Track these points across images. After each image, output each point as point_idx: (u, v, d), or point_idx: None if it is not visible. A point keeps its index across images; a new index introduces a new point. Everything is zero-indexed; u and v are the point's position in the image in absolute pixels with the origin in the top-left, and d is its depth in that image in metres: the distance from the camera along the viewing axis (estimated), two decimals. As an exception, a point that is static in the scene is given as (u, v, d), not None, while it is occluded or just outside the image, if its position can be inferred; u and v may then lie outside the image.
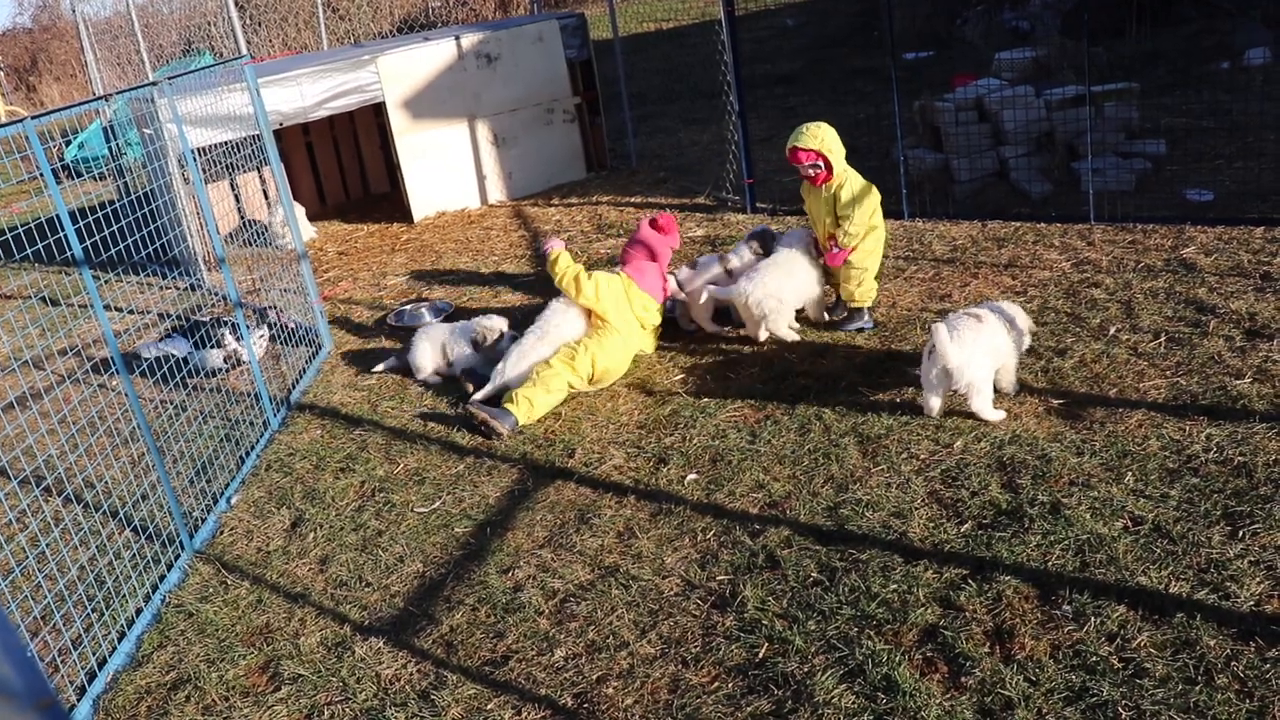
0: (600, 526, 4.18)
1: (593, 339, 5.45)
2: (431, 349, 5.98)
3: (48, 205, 4.00)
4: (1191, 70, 9.58)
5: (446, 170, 9.81)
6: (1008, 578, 3.45)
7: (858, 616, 3.39)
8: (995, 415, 4.44)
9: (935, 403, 4.54)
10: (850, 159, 5.74)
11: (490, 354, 5.80)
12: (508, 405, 5.19)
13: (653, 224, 5.91)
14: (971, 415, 4.48)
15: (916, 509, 3.93)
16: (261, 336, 6.53)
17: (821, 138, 5.48)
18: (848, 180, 5.53)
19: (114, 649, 3.87)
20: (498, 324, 5.94)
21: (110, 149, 10.32)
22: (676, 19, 18.75)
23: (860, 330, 5.68)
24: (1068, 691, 2.94)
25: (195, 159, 5.62)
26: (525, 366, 5.46)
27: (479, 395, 5.48)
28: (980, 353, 4.40)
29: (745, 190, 8.29)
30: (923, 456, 4.28)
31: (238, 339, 6.43)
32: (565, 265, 5.60)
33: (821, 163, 5.50)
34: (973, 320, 4.49)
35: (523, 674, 3.42)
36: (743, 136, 8.13)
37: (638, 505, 4.30)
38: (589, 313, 5.63)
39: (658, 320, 5.82)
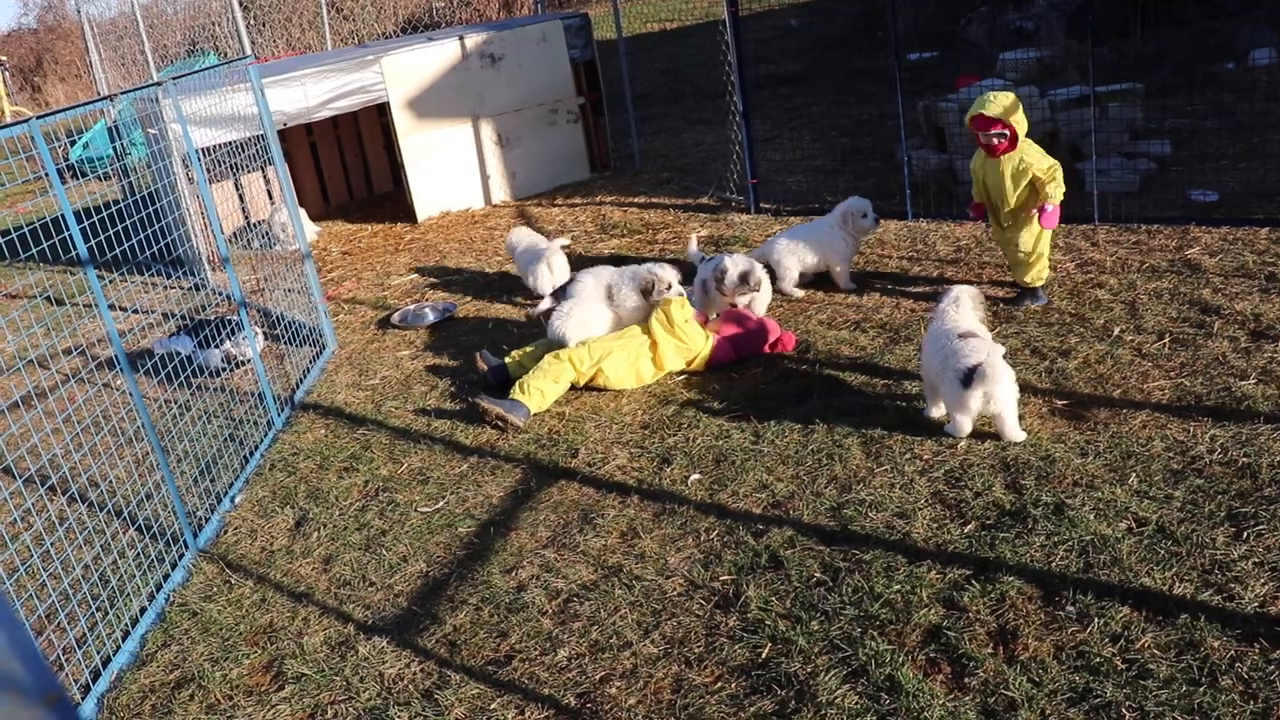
0: (604, 526, 4.18)
1: (612, 349, 5.40)
2: (596, 287, 6.00)
3: (53, 205, 4.01)
4: (1196, 71, 9.57)
5: (450, 170, 9.82)
6: (1011, 578, 3.45)
7: (861, 617, 3.39)
8: (1022, 435, 4.33)
9: (968, 425, 4.37)
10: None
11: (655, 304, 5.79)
12: (518, 396, 5.21)
13: (773, 345, 5.55)
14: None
15: (920, 509, 3.93)
16: (232, 343, 6.52)
17: (1007, 106, 5.33)
18: (1030, 149, 5.42)
19: (118, 648, 3.88)
20: (669, 275, 5.77)
21: (115, 149, 10.34)
22: (680, 19, 18.76)
23: (1037, 305, 5.57)
24: (1071, 692, 2.94)
25: (199, 159, 5.63)
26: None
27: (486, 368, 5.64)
28: (1008, 372, 4.29)
29: (749, 190, 8.29)
30: (926, 457, 4.28)
31: (231, 339, 6.43)
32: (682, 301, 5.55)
33: (1007, 132, 5.36)
34: (982, 341, 4.37)
35: (526, 674, 3.42)
36: (746, 137, 8.12)
37: (641, 505, 4.31)
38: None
39: (680, 364, 5.56)
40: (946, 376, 4.32)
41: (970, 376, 4.19)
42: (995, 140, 5.42)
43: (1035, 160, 5.40)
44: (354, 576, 4.16)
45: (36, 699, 0.68)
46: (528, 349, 5.70)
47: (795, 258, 6.35)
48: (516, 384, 5.31)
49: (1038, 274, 5.59)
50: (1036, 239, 5.52)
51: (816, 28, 16.56)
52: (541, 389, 5.24)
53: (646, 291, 5.77)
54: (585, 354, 5.36)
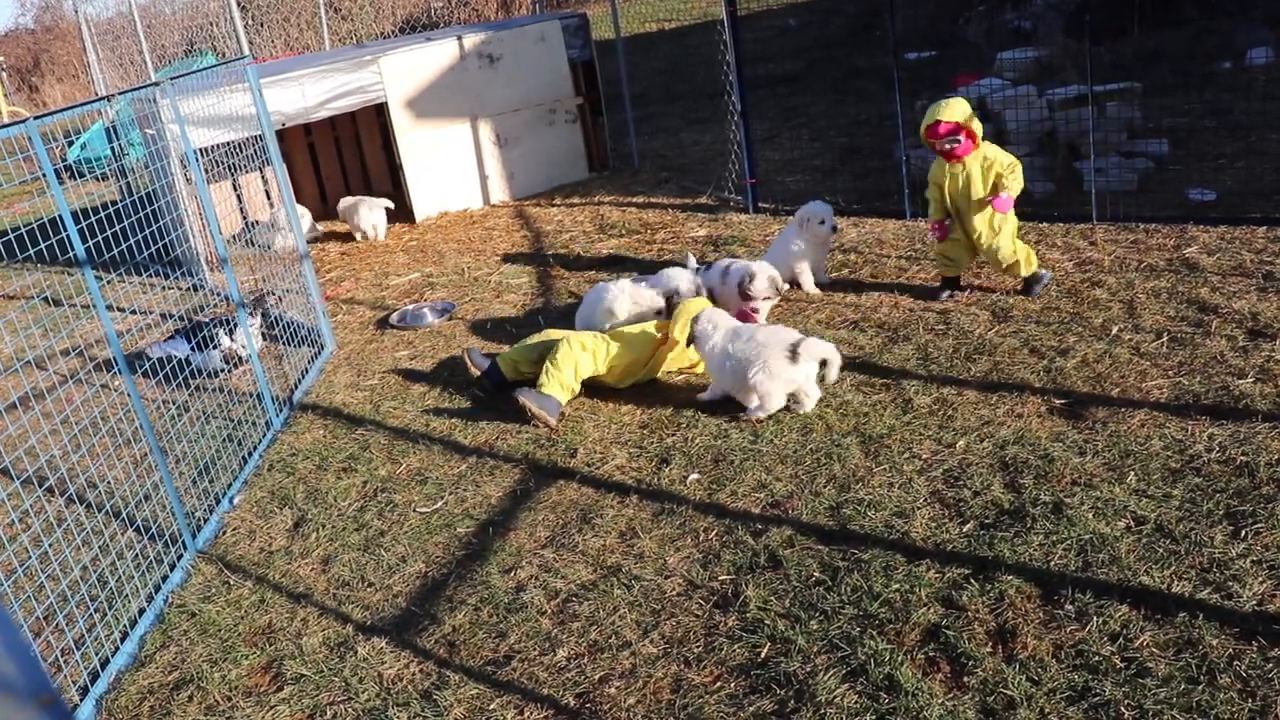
0: (602, 526, 4.18)
1: (624, 354, 5.36)
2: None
3: (50, 206, 4.01)
4: (1194, 70, 9.57)
5: (448, 170, 9.81)
6: (1010, 577, 3.45)
7: (860, 616, 3.39)
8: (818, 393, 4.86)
9: (782, 398, 4.80)
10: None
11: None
12: (545, 390, 5.15)
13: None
14: (972, 415, 4.47)
15: (919, 508, 3.93)
16: (254, 325, 6.51)
17: (964, 110, 5.49)
18: (988, 145, 5.59)
19: (117, 649, 3.88)
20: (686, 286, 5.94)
21: (112, 149, 10.33)
22: (679, 19, 18.75)
23: (1047, 282, 5.70)
24: (1070, 691, 2.94)
25: (197, 159, 5.62)
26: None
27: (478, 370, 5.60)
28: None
29: (747, 190, 8.29)
30: (925, 456, 4.28)
31: (231, 336, 6.42)
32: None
33: (963, 136, 5.49)
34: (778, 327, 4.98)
35: (525, 674, 3.42)
36: (745, 136, 8.12)
37: (640, 505, 4.30)
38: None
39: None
40: (769, 360, 4.71)
41: (796, 350, 4.70)
42: (949, 145, 5.53)
43: (997, 155, 5.59)
44: (353, 577, 4.16)
45: (30, 700, 0.67)
46: (522, 347, 5.63)
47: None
48: (544, 374, 5.21)
49: (1029, 260, 5.69)
50: (1013, 238, 5.67)
51: (815, 27, 16.57)
52: (561, 382, 5.18)
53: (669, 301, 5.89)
54: (605, 350, 5.30)
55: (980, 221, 5.65)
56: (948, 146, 5.54)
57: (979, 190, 5.60)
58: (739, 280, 5.77)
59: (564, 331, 5.72)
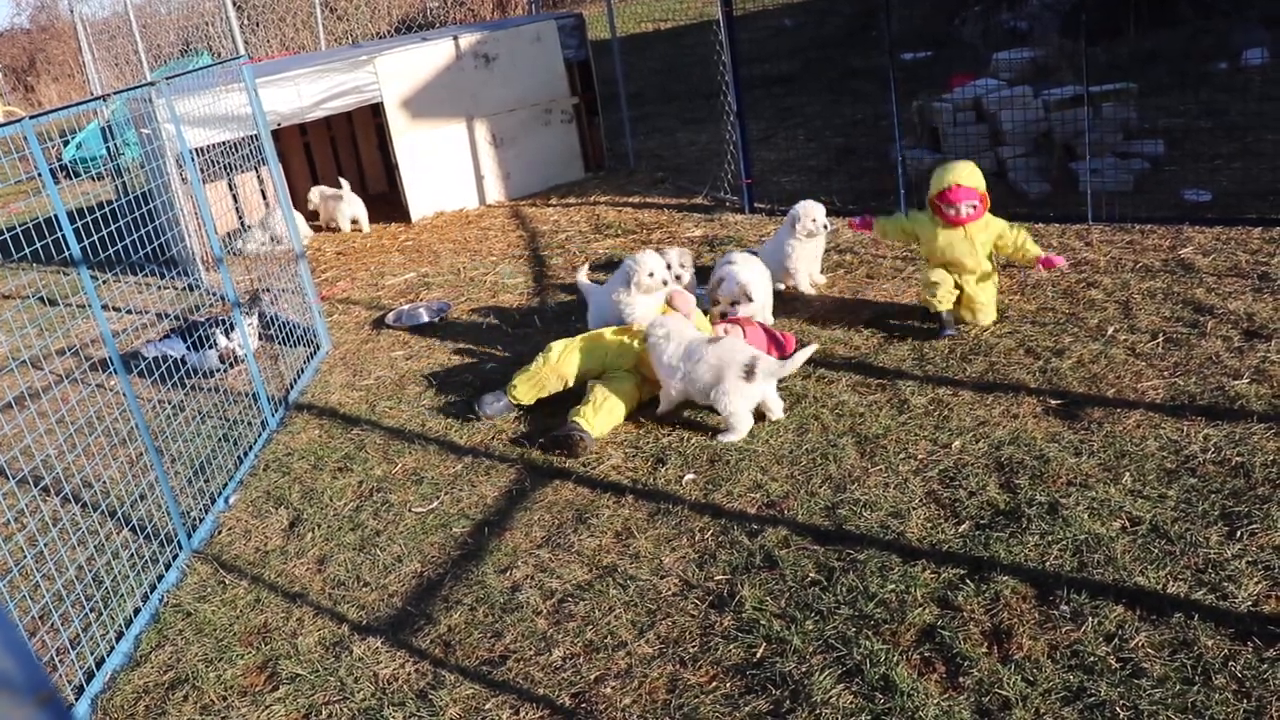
0: (598, 526, 4.18)
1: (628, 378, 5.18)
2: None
3: (46, 205, 4.00)
4: (1190, 70, 9.59)
5: (444, 170, 9.81)
6: (1005, 578, 3.45)
7: (855, 616, 3.39)
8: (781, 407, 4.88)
9: (750, 419, 4.78)
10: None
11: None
12: (590, 428, 4.87)
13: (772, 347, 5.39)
14: (968, 415, 4.48)
15: (914, 509, 3.93)
16: (251, 325, 6.50)
17: (980, 178, 5.26)
18: (988, 215, 5.37)
19: (112, 648, 3.87)
20: (649, 263, 5.48)
21: (108, 149, 10.32)
22: (674, 19, 18.77)
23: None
24: (1065, 691, 2.94)
25: (193, 159, 5.62)
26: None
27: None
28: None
29: (743, 190, 8.30)
30: (920, 457, 4.29)
31: (228, 336, 6.42)
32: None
33: (978, 201, 5.26)
34: (732, 338, 4.93)
35: (521, 674, 3.42)
36: (741, 136, 8.13)
37: (636, 505, 4.30)
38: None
39: None
40: (726, 382, 4.67)
41: (752, 369, 4.66)
42: (967, 211, 5.26)
43: (1000, 225, 5.38)
44: (348, 577, 4.15)
45: (29, 698, 0.67)
46: (536, 386, 5.27)
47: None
48: (596, 415, 4.92)
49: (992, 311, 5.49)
50: (994, 296, 5.49)
51: (811, 28, 16.57)
52: (602, 427, 4.92)
53: (626, 282, 5.51)
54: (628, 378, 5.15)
55: (976, 283, 5.39)
56: (966, 213, 5.24)
57: (981, 255, 5.33)
58: (712, 285, 5.65)
59: (575, 352, 5.28)
